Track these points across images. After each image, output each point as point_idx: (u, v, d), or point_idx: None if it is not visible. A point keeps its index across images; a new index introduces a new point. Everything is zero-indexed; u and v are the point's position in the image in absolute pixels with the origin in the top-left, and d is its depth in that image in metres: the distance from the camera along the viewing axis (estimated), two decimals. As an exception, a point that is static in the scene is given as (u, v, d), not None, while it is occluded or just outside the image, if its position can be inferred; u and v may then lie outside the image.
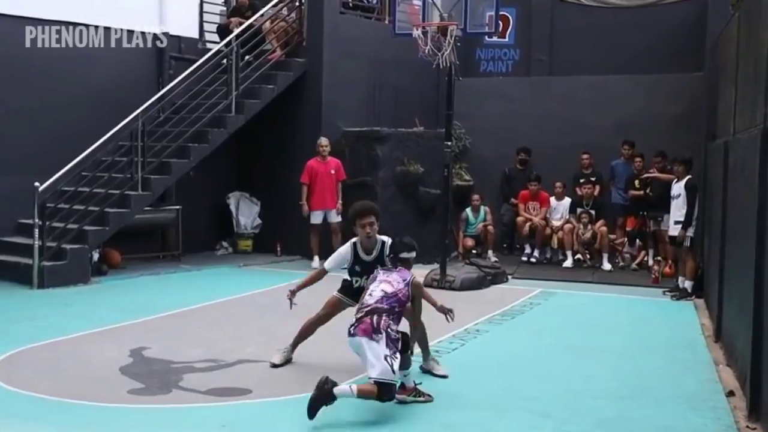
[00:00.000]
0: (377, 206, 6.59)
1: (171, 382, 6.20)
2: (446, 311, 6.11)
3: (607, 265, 12.31)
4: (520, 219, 13.15)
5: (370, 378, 5.39)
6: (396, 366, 5.42)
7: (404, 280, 5.76)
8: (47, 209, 10.28)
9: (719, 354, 7.40)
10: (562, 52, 14.69)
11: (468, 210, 13.26)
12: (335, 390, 5.23)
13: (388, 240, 6.34)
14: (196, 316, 8.76)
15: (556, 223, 12.90)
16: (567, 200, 13.03)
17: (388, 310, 5.55)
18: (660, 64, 13.55)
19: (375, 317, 5.48)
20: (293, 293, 6.48)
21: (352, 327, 5.55)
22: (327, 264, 6.57)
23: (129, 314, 8.59)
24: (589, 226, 12.53)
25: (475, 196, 13.31)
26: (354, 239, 6.51)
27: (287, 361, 6.68)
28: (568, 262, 12.52)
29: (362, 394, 5.33)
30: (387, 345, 5.42)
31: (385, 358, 5.36)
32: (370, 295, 5.68)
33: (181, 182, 12.14)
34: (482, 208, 13.25)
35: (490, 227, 13.12)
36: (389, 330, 5.49)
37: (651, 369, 6.87)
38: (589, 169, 13.12)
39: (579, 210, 12.77)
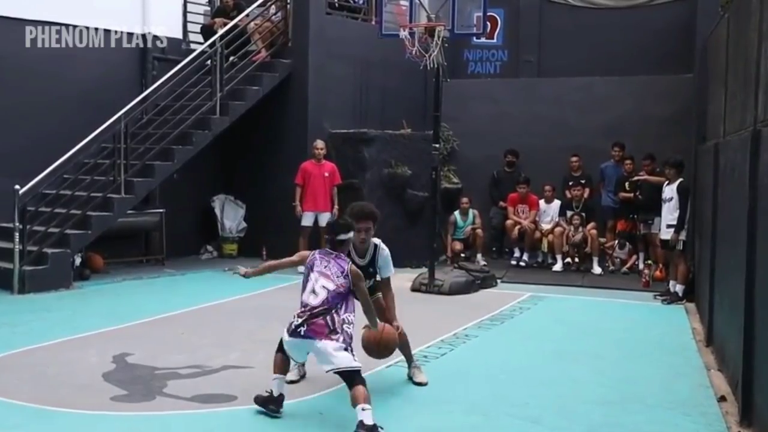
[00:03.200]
0: (377, 211, 6.24)
1: (155, 389, 6.12)
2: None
3: (597, 269, 12.25)
4: (509, 222, 13.08)
5: (328, 371, 5.30)
6: (353, 354, 5.32)
7: (342, 273, 5.49)
8: (28, 212, 10.16)
9: (710, 358, 7.36)
10: (551, 53, 14.63)
11: (456, 213, 13.16)
12: None
13: (380, 242, 6.17)
14: (180, 322, 8.65)
15: (546, 227, 12.83)
16: (556, 203, 12.96)
17: (336, 306, 5.37)
18: (649, 65, 13.51)
19: (328, 318, 5.31)
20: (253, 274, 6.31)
21: (301, 328, 5.33)
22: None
23: (112, 320, 8.49)
24: (580, 229, 12.46)
25: (464, 199, 13.21)
26: None
27: (302, 375, 6.36)
28: (558, 266, 12.46)
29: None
30: (344, 340, 5.31)
31: (345, 349, 5.27)
32: (313, 292, 5.41)
33: (164, 185, 12.03)
34: (471, 211, 13.15)
35: (478, 230, 13.03)
36: (344, 327, 5.36)
37: (641, 374, 6.81)
38: (578, 172, 13.07)
39: (570, 212, 12.71)
